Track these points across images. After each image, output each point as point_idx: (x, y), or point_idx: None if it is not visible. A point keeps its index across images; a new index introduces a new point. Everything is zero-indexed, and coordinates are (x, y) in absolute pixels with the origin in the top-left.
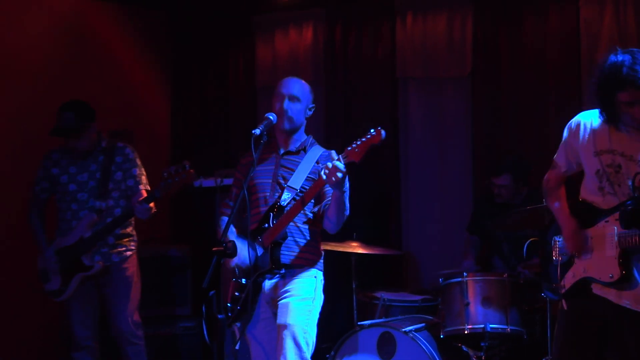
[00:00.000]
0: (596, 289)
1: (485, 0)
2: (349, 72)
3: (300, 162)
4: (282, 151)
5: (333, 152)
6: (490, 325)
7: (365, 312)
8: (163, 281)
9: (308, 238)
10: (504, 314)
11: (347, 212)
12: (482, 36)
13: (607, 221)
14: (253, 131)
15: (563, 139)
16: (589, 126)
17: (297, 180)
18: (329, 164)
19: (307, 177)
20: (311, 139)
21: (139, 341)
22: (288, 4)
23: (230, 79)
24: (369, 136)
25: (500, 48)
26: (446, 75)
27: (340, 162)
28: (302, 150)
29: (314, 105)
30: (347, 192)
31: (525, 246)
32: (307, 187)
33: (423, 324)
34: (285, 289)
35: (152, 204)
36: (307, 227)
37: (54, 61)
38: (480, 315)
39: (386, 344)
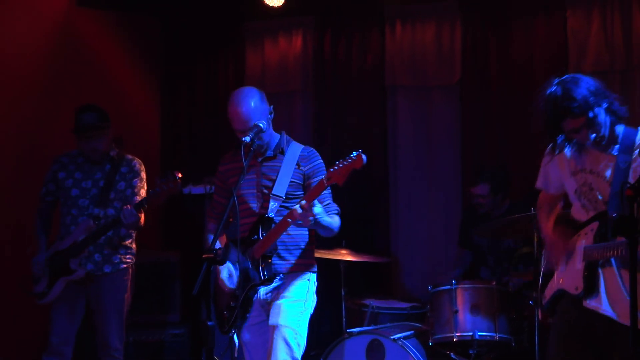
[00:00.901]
0: (588, 303)
1: (474, 9)
2: (338, 80)
3: (280, 167)
4: (259, 159)
5: (303, 202)
6: (479, 333)
7: (354, 319)
8: (152, 288)
9: (301, 245)
10: (492, 322)
11: (336, 230)
12: (471, 44)
13: (579, 235)
14: (243, 138)
15: (542, 162)
16: (564, 148)
17: (281, 187)
18: (296, 209)
19: (290, 182)
20: (285, 136)
21: (119, 355)
22: (278, 12)
23: (220, 86)
24: (349, 160)
25: (489, 56)
26: (435, 83)
27: (300, 208)
28: (280, 152)
29: (271, 108)
30: (326, 220)
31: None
32: (293, 194)
33: (412, 332)
34: (279, 291)
35: (142, 215)
36: (299, 234)
37: (44, 68)
38: (468, 323)
39: (375, 351)
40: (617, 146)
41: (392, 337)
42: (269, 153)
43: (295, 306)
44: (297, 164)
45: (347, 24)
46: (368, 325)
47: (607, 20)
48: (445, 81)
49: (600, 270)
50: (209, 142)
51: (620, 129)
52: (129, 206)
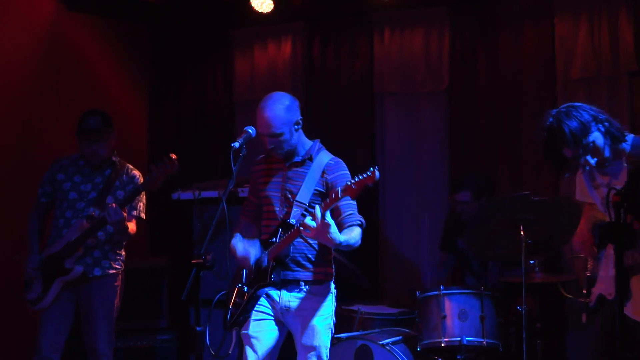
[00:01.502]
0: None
1: (462, 16)
2: (327, 87)
3: (306, 174)
4: (288, 163)
5: (317, 208)
6: (467, 338)
7: (342, 324)
8: (141, 294)
9: (320, 252)
10: (480, 327)
11: (354, 244)
12: (459, 51)
13: None
14: (232, 144)
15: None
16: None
17: (305, 195)
18: (306, 221)
19: (314, 190)
20: (318, 144)
21: None
22: (267, 19)
23: (209, 93)
24: (364, 176)
25: (477, 63)
26: (423, 90)
27: (307, 221)
28: (308, 159)
29: (300, 117)
30: (339, 238)
31: None
32: (316, 202)
33: (400, 337)
34: (307, 306)
35: (134, 225)
36: (316, 241)
37: (33, 73)
38: (456, 328)
39: (363, 357)
40: (627, 149)
41: (380, 342)
42: (297, 159)
43: (326, 324)
44: (323, 172)
45: (336, 31)
46: (357, 331)
47: (594, 26)
48: (434, 88)
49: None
50: (197, 148)
51: (627, 142)
52: (113, 204)
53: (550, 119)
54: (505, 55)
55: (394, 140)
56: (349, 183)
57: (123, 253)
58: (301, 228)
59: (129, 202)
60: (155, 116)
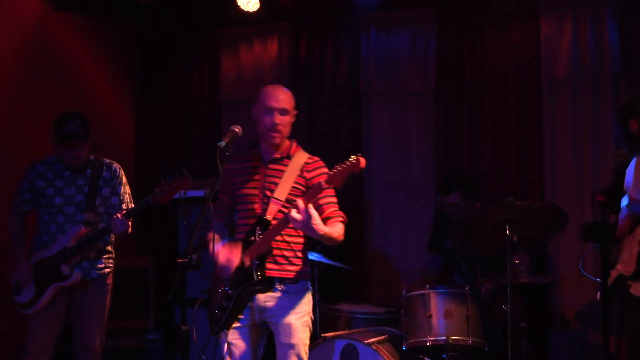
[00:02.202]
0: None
1: (448, 17)
2: (313, 87)
3: (285, 171)
4: (266, 161)
5: (299, 201)
6: (452, 337)
7: (328, 324)
8: (127, 293)
9: (297, 250)
10: (465, 326)
11: (338, 238)
12: (445, 52)
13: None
14: (219, 143)
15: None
16: None
17: (282, 191)
18: (291, 210)
19: (292, 187)
20: (295, 143)
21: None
22: (253, 18)
23: (195, 92)
24: (348, 163)
25: (463, 63)
26: (409, 90)
27: (293, 213)
28: (286, 157)
29: (296, 112)
30: (323, 228)
31: None
32: (294, 199)
33: (386, 336)
34: (283, 305)
35: (129, 223)
36: (294, 238)
37: (19, 72)
38: (442, 328)
39: (349, 356)
40: None
41: (366, 341)
42: (276, 156)
43: (303, 321)
44: (302, 170)
45: (322, 31)
46: (342, 330)
47: (579, 28)
48: (420, 88)
49: None
50: (183, 147)
51: None
52: (119, 215)
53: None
54: (491, 55)
55: (381, 140)
56: (333, 171)
57: (113, 251)
58: (287, 220)
59: (135, 214)
60: (142, 116)
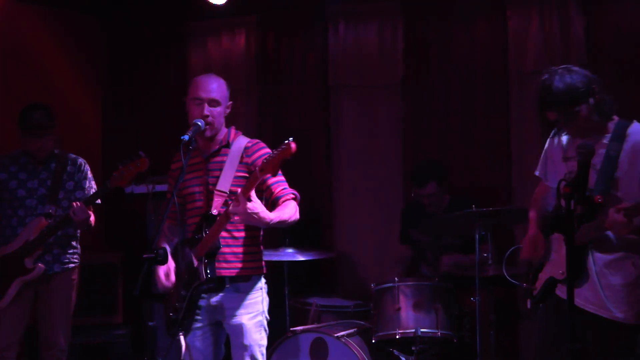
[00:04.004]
0: (560, 292)
1: (416, 9)
2: (281, 80)
3: (225, 162)
4: (206, 155)
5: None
6: (421, 330)
7: (297, 317)
8: (94, 289)
9: (246, 245)
10: (434, 318)
11: (293, 217)
12: (413, 44)
13: None
14: (182, 137)
15: (544, 149)
16: (562, 134)
17: (225, 183)
18: (231, 208)
19: (235, 177)
20: (233, 130)
21: (63, 356)
22: (221, 11)
23: (163, 86)
24: (279, 150)
25: (431, 56)
26: (377, 82)
27: (233, 207)
28: (225, 146)
29: (231, 102)
30: (270, 215)
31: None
32: (238, 187)
33: (355, 329)
34: (234, 304)
35: (91, 214)
36: (243, 233)
37: None
38: (411, 320)
39: (319, 350)
40: (608, 135)
41: (335, 335)
42: (215, 148)
43: (256, 322)
44: (242, 156)
45: (290, 24)
46: (312, 324)
47: (545, 21)
48: (388, 80)
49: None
50: (151, 141)
51: (612, 121)
52: (78, 203)
53: (547, 77)
54: (459, 47)
55: (349, 132)
56: (264, 160)
57: (78, 247)
58: (230, 214)
59: (94, 200)
60: (109, 110)
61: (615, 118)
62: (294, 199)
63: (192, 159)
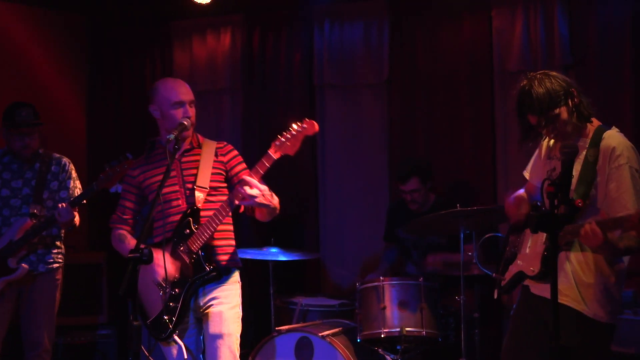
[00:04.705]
0: (533, 289)
1: (401, 9)
2: (267, 79)
3: (200, 160)
4: (178, 154)
5: (247, 178)
6: (406, 329)
7: (282, 317)
8: (80, 289)
9: (227, 238)
10: (419, 318)
11: (277, 208)
12: (398, 43)
13: None
14: (167, 136)
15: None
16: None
17: (204, 178)
18: (246, 189)
19: (213, 173)
20: (198, 134)
21: (47, 356)
22: (206, 10)
23: (148, 85)
24: (301, 127)
25: (416, 55)
26: (363, 81)
27: (247, 190)
28: (197, 147)
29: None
30: (271, 198)
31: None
32: (216, 184)
33: (340, 328)
34: (213, 296)
35: (76, 214)
36: (224, 226)
37: None
38: (396, 319)
39: (304, 349)
40: (588, 140)
41: (320, 334)
42: (187, 147)
43: (234, 312)
44: (216, 154)
45: (275, 23)
46: (297, 323)
47: (530, 20)
48: (373, 80)
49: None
50: (136, 141)
51: (592, 124)
52: (64, 204)
53: (525, 82)
54: (444, 47)
55: (335, 131)
56: (283, 140)
57: (62, 246)
58: (236, 201)
59: (80, 202)
60: (94, 108)
61: (596, 122)
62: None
63: (161, 162)
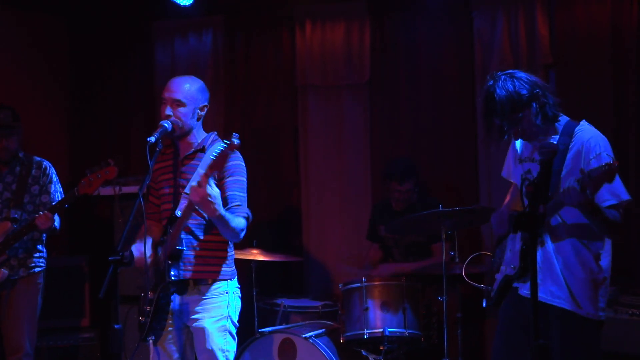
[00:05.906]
0: (521, 290)
1: (382, 9)
2: (249, 80)
3: (197, 166)
4: (182, 157)
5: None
6: (389, 330)
7: (266, 319)
8: (61, 292)
9: (212, 249)
10: (402, 318)
11: (238, 230)
12: (380, 44)
13: None
14: (148, 139)
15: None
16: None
17: None
18: (192, 184)
19: None
20: (214, 135)
21: None
22: (188, 11)
23: (129, 86)
24: (227, 144)
25: (397, 56)
26: (345, 82)
27: (193, 183)
28: (200, 150)
29: (206, 104)
30: (226, 214)
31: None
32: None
33: (323, 330)
34: (197, 307)
35: (58, 218)
36: (210, 236)
37: None
38: (379, 320)
39: (287, 350)
40: (556, 136)
41: (303, 335)
42: (190, 151)
43: (219, 326)
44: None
45: (257, 24)
46: (280, 325)
47: (511, 21)
48: (355, 81)
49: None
50: (118, 142)
51: (560, 122)
52: (47, 212)
53: (490, 82)
54: (425, 47)
55: (317, 132)
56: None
57: (44, 250)
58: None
59: (60, 208)
60: (75, 111)
61: (562, 119)
62: (246, 218)
63: (169, 161)
